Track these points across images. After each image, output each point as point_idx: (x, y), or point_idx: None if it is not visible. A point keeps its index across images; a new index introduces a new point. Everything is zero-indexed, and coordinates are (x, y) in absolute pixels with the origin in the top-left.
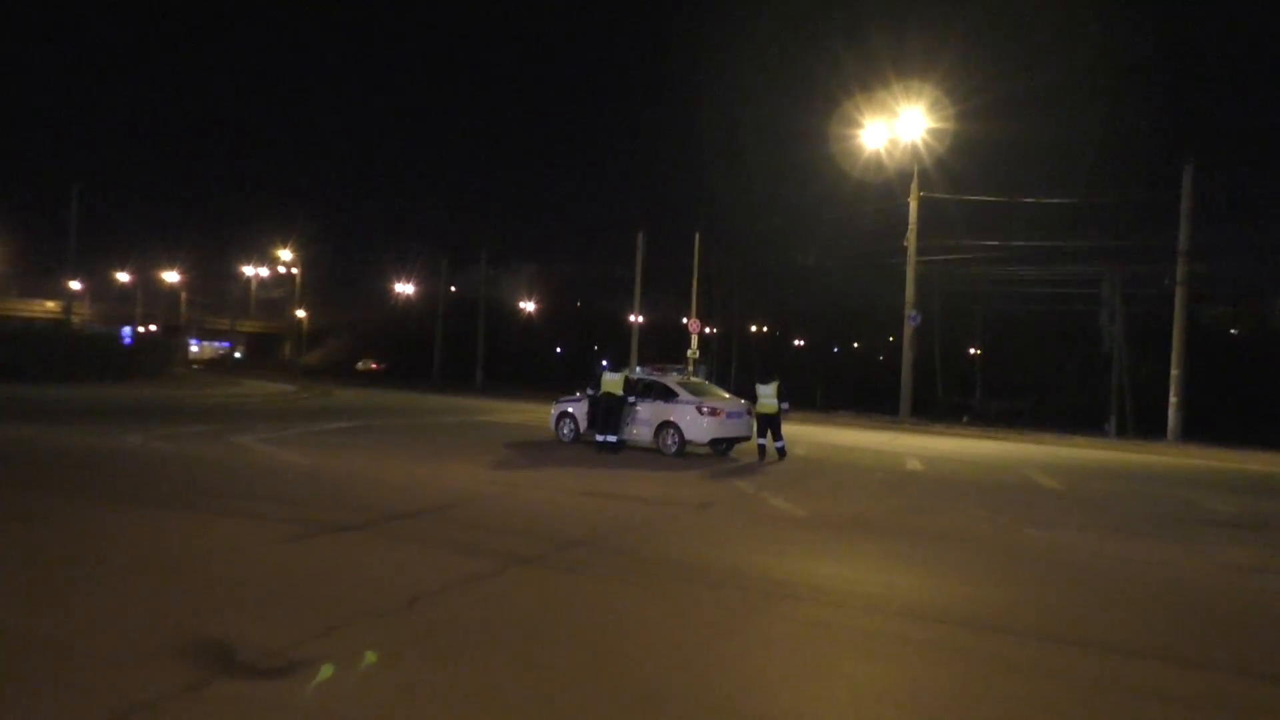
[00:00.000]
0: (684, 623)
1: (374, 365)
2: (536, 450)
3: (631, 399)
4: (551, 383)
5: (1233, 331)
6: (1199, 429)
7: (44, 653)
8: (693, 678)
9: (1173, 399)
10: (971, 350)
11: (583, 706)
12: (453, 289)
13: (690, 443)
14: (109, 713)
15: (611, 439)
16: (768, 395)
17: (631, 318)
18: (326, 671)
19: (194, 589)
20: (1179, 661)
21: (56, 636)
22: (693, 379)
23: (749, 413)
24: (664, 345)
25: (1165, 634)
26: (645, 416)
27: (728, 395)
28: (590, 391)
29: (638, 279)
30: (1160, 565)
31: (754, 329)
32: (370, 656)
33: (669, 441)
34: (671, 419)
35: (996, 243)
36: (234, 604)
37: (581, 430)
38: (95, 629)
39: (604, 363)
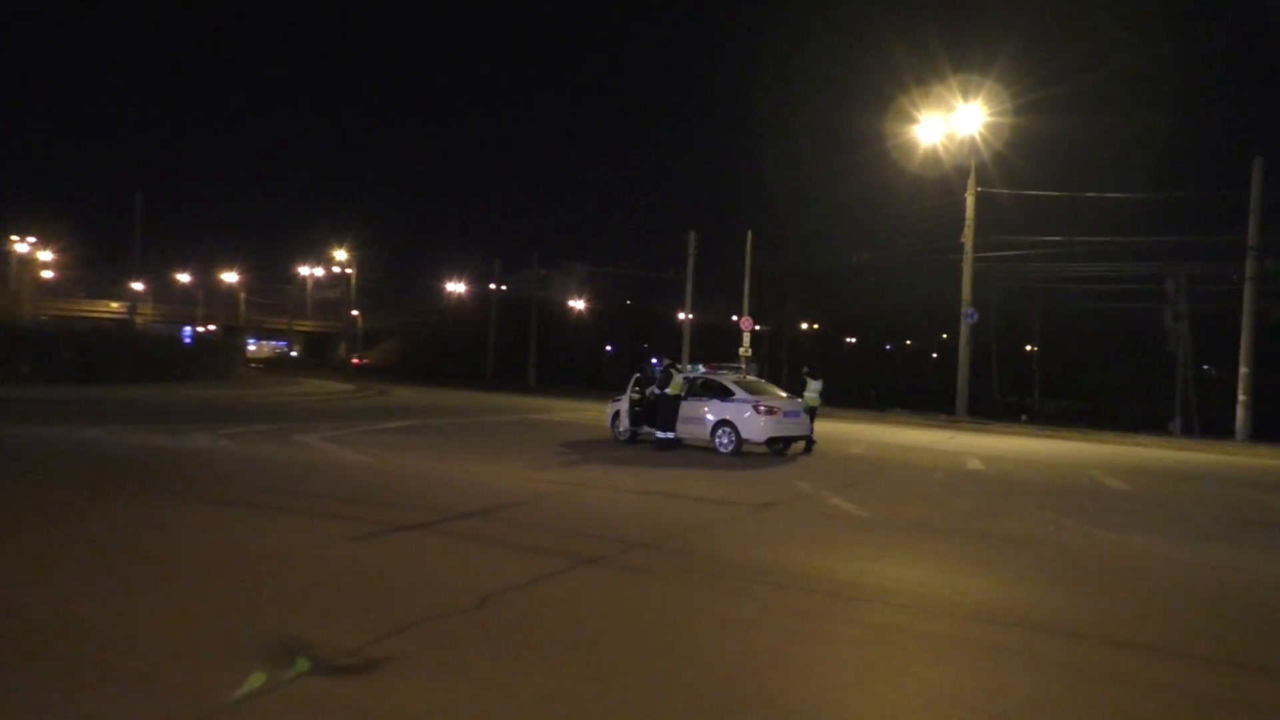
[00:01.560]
0: (752, 625)
1: (356, 360)
2: (593, 449)
3: (682, 395)
4: (603, 382)
5: None
6: (1269, 428)
7: (124, 650)
8: (763, 681)
9: (1241, 397)
10: (1028, 348)
11: (654, 711)
12: (504, 288)
13: (747, 442)
14: (196, 709)
15: (670, 435)
16: (816, 389)
17: (682, 316)
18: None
19: (266, 587)
20: (1260, 670)
21: (134, 634)
22: (749, 377)
23: (805, 412)
24: (715, 344)
25: (1244, 642)
26: (701, 415)
27: (784, 394)
28: (651, 390)
29: (689, 277)
30: (1237, 570)
31: (805, 327)
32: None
33: (725, 440)
34: (728, 418)
35: (1058, 238)
36: (306, 602)
37: (623, 425)
38: (172, 627)
39: (653, 361)
